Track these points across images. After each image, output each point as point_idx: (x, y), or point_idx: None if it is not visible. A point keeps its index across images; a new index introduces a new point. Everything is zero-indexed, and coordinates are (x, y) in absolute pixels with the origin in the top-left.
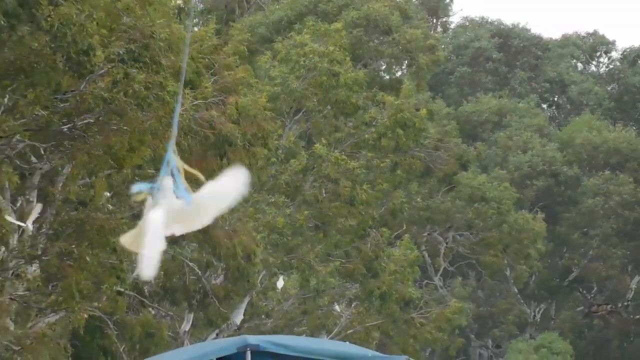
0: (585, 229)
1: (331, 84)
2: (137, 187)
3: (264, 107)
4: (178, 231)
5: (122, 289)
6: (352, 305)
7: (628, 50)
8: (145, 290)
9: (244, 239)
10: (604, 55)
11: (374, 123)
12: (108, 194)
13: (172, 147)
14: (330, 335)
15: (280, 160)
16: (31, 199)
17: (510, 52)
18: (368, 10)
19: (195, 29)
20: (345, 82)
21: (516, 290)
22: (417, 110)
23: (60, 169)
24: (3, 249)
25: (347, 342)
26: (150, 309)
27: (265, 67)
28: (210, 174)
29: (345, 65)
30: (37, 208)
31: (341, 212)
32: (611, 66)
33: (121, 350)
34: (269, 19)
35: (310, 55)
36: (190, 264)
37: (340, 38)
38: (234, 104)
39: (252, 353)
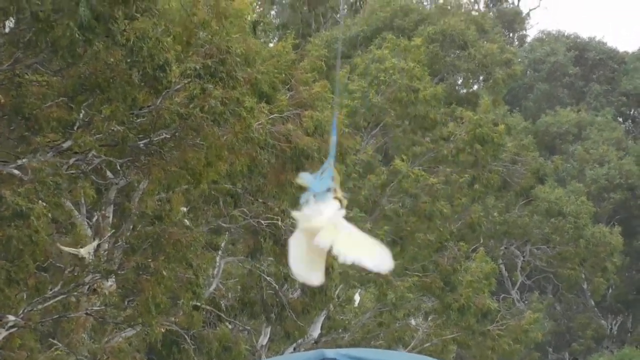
0: None
1: (410, 100)
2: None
3: (342, 122)
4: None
5: (198, 304)
6: (429, 318)
7: None
8: (222, 305)
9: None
10: None
11: (452, 138)
12: (184, 209)
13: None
14: (407, 349)
15: (359, 175)
16: (107, 214)
17: (587, 66)
18: (444, 26)
19: (271, 44)
20: (425, 98)
21: (593, 303)
22: (496, 125)
23: (136, 184)
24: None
25: (424, 355)
26: (227, 323)
27: (343, 81)
28: (287, 188)
29: (424, 81)
30: (94, 243)
31: (419, 227)
32: None
33: None
34: (346, 35)
35: (390, 71)
36: (268, 278)
37: (419, 54)
38: (310, 118)
39: None
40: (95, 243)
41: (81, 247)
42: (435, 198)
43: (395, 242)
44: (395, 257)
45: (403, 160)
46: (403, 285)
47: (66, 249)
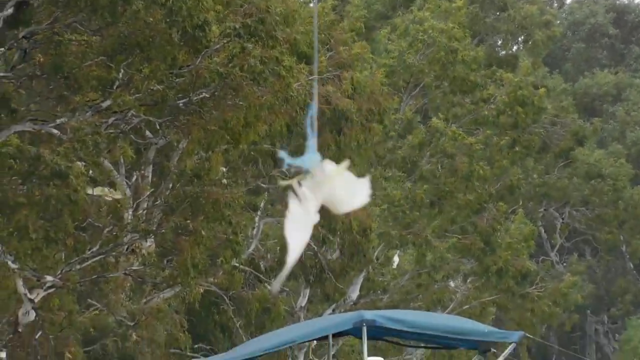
0: None
1: (449, 60)
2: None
3: (381, 82)
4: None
5: (237, 264)
6: (468, 280)
7: None
8: (261, 266)
9: (360, 214)
10: None
11: (492, 100)
12: (224, 169)
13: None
14: (446, 311)
15: (398, 135)
16: (146, 174)
17: (626, 28)
18: None
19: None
20: (464, 59)
21: (632, 266)
22: (536, 88)
23: (175, 143)
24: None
25: (463, 317)
26: (266, 284)
27: (383, 42)
28: (327, 149)
29: (464, 42)
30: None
31: (458, 187)
32: None
33: (237, 325)
34: None
35: (430, 31)
36: None
37: (460, 15)
38: (349, 80)
39: (368, 328)
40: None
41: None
42: (473, 158)
43: (433, 204)
44: (433, 218)
45: (441, 120)
46: (442, 247)
47: (100, 192)
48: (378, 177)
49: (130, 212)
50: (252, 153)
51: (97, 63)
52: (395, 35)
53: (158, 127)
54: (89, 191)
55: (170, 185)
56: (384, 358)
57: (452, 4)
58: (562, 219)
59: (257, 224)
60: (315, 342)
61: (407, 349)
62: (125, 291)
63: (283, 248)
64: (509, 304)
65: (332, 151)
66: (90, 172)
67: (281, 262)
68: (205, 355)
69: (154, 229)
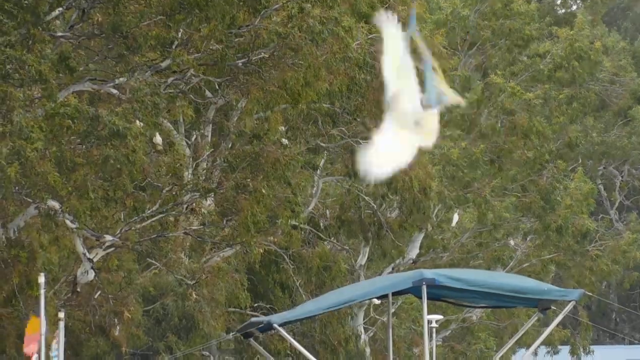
0: None
1: (504, 13)
2: None
3: (438, 42)
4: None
5: (297, 223)
6: (528, 238)
7: None
8: (321, 224)
9: (419, 173)
10: None
11: (548, 55)
12: (283, 128)
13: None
14: (506, 269)
15: (456, 93)
16: (206, 134)
17: None
18: None
19: None
20: (518, 12)
21: None
22: (592, 43)
23: (234, 103)
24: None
25: (523, 276)
26: (326, 242)
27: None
28: (385, 108)
29: None
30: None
31: (517, 145)
32: None
33: (297, 284)
34: None
35: None
36: (366, 197)
37: None
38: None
39: (427, 287)
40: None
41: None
42: (532, 114)
43: (493, 162)
44: (493, 176)
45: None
46: (502, 205)
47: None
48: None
49: (190, 172)
50: (311, 112)
51: (156, 22)
52: None
53: (217, 87)
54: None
55: (230, 145)
56: (443, 316)
57: None
58: (622, 177)
59: (316, 183)
60: (375, 300)
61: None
62: (185, 250)
63: (342, 206)
64: (568, 262)
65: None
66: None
67: (340, 220)
68: (265, 314)
69: (214, 187)
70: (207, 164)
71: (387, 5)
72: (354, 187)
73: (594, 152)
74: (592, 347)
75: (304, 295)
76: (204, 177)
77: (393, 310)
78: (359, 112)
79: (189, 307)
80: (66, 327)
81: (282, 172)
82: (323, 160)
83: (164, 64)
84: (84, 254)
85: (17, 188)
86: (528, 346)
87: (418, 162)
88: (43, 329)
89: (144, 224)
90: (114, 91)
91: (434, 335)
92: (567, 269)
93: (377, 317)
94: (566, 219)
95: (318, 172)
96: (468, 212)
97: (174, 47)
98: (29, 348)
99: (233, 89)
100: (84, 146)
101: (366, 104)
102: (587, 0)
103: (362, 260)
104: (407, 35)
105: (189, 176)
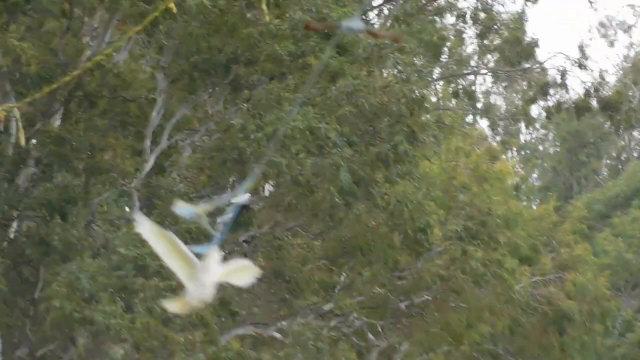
0: None
1: None
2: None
3: (603, 284)
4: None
5: None
6: None
7: None
8: None
9: None
10: None
11: None
12: None
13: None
14: None
15: (618, 333)
16: None
17: None
18: None
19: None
20: None
21: None
22: None
23: (397, 345)
24: None
25: None
26: None
27: (601, 243)
28: (550, 351)
29: None
30: None
31: None
32: None
33: None
34: (605, 195)
35: None
36: None
37: None
38: (572, 281)
39: None
40: None
41: None
42: None
43: None
44: None
45: None
46: None
47: None
48: None
49: None
50: (473, 354)
51: (319, 267)
52: (612, 235)
53: (380, 330)
54: None
55: None
56: None
57: None
58: None
59: None
60: None
61: None
62: None
63: None
64: None
65: (556, 351)
66: None
67: None
68: None
69: None
70: None
71: (549, 248)
72: None
73: None
74: None
75: None
76: None
77: None
78: (522, 353)
79: None
80: None
81: None
82: None
83: (326, 308)
84: None
85: None
86: None
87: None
88: None
89: None
90: (278, 335)
91: None
92: None
93: None
94: None
95: None
96: None
97: (336, 290)
98: None
99: (395, 332)
100: None
101: (529, 346)
102: None
103: None
104: None
105: None
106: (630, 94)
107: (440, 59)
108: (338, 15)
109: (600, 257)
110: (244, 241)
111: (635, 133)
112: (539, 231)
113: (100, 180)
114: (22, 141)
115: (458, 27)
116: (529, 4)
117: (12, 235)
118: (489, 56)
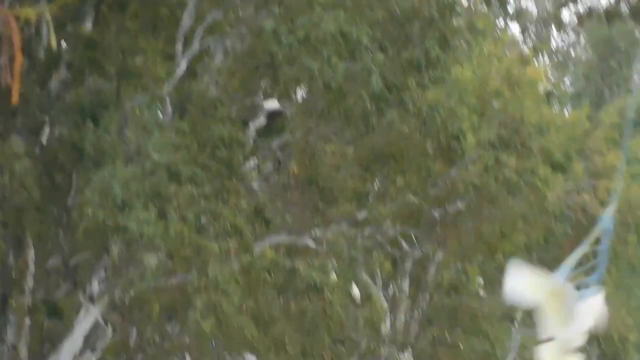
0: None
1: None
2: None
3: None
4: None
5: None
6: None
7: None
8: None
9: (616, 323)
10: None
11: None
12: (481, 281)
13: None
14: None
15: None
16: (403, 286)
17: None
18: None
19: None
20: None
21: None
22: None
23: (431, 255)
24: None
25: None
26: None
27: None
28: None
29: None
30: None
31: None
32: None
33: None
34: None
35: None
36: None
37: None
38: (605, 189)
39: None
40: None
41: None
42: None
43: None
44: None
45: None
46: None
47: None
48: (632, 286)
49: (388, 325)
50: (508, 265)
51: (352, 174)
52: None
53: (414, 239)
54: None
55: (428, 297)
56: None
57: None
58: None
59: (514, 336)
60: None
61: None
62: None
63: None
64: None
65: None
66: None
67: None
68: None
69: (412, 341)
70: (405, 317)
71: (583, 156)
72: None
73: None
74: None
75: None
76: (401, 331)
77: None
78: (556, 263)
79: None
80: None
81: (480, 326)
82: (521, 312)
83: (360, 216)
84: None
85: (213, 343)
86: None
87: (614, 312)
88: None
89: None
90: (311, 244)
91: None
92: None
93: None
94: None
95: (515, 324)
96: None
97: (370, 198)
98: None
99: (430, 241)
100: (281, 300)
101: (564, 255)
102: None
103: None
104: None
105: (387, 330)
106: None
107: None
108: None
109: (634, 166)
110: (277, 147)
111: None
112: (571, 138)
113: (132, 84)
114: (54, 44)
115: None
116: None
117: (44, 142)
118: None
